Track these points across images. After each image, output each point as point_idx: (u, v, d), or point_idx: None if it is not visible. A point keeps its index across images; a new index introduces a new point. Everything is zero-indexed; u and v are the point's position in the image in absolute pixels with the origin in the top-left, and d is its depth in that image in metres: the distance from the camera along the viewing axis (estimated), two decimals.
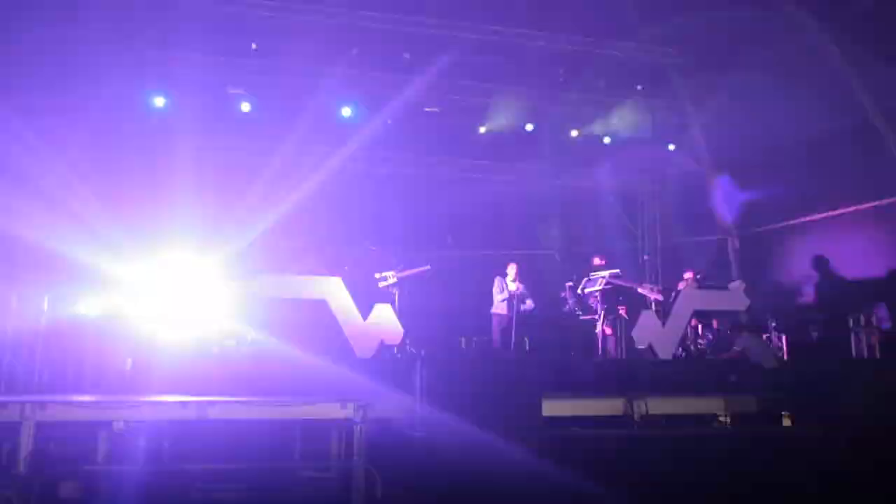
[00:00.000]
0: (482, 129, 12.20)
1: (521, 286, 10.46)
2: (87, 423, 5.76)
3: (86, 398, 6.22)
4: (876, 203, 11.61)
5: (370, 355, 8.96)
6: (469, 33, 11.86)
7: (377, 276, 10.38)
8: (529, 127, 12.40)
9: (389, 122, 12.37)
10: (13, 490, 5.17)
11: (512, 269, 10.55)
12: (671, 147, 13.11)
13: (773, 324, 11.84)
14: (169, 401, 6.11)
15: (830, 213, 12.23)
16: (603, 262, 11.09)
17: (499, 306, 10.47)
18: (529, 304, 10.54)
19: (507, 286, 10.48)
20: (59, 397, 6.42)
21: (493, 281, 10.79)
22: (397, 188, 15.00)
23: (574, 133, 12.79)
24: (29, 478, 5.25)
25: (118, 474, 5.73)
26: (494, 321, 10.61)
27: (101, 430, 5.88)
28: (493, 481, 4.94)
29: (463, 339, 12.43)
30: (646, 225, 14.39)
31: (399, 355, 10.25)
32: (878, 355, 9.05)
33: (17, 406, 5.46)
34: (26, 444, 5.36)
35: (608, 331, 10.38)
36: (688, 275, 10.80)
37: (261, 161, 12.23)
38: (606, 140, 12.85)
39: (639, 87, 12.48)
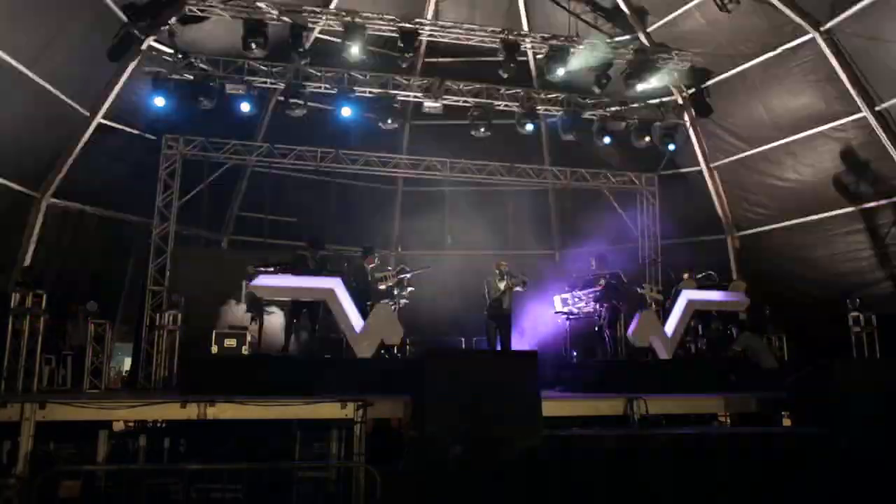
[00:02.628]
0: (482, 130, 12.20)
1: (512, 280, 10.21)
2: (87, 422, 5.74)
3: (85, 398, 6.24)
4: None
5: (370, 355, 8.97)
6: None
7: (377, 276, 10.39)
8: (529, 127, 12.41)
9: (390, 122, 12.35)
10: (13, 489, 5.15)
11: (501, 267, 10.29)
12: (671, 147, 13.14)
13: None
14: (168, 401, 6.08)
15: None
16: (602, 264, 11.13)
17: (489, 308, 10.26)
18: (520, 289, 10.29)
19: (490, 287, 10.24)
20: (59, 397, 6.49)
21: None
22: (398, 189, 15.14)
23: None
24: (29, 477, 5.21)
25: (118, 474, 5.71)
26: (487, 324, 10.39)
27: (101, 429, 5.87)
28: (493, 480, 4.93)
29: (462, 339, 12.45)
30: (646, 225, 14.40)
31: (399, 355, 10.28)
32: None
33: (17, 405, 5.46)
34: (26, 443, 5.34)
35: (608, 331, 10.40)
36: (687, 275, 10.81)
37: None
38: (607, 140, 12.86)
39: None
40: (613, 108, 13.13)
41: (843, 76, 11.01)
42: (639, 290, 10.73)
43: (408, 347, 11.03)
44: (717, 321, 10.85)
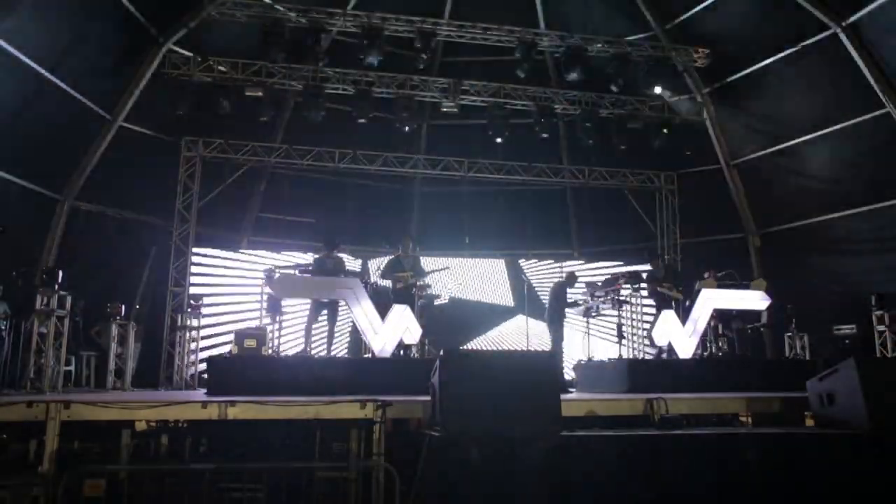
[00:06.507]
0: (498, 140, 12.22)
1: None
2: (111, 422, 5.79)
3: (108, 398, 6.34)
4: None
5: (389, 355, 8.98)
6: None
7: (396, 275, 10.39)
8: (545, 135, 12.46)
9: (397, 124, 12.32)
10: (40, 488, 5.25)
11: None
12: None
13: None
14: (189, 401, 6.13)
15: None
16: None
17: None
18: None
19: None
20: (82, 396, 6.59)
21: (509, 282, 10.76)
22: (416, 190, 15.16)
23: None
24: (55, 476, 5.30)
25: (141, 473, 5.75)
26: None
27: (125, 429, 5.91)
28: (513, 481, 4.90)
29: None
30: (665, 223, 14.32)
31: (417, 355, 10.29)
32: None
33: (42, 405, 5.54)
34: (52, 442, 5.41)
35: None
36: (708, 274, 10.72)
37: None
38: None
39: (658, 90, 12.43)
40: (631, 107, 13.07)
41: (867, 72, 10.86)
42: (658, 288, 10.64)
43: (426, 346, 11.03)
44: (737, 320, 10.75)
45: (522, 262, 14.69)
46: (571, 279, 10.68)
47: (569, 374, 11.28)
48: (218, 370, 8.00)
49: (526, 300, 11.49)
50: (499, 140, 12.18)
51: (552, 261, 14.71)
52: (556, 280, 10.79)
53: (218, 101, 11.33)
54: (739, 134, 13.49)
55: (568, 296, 10.50)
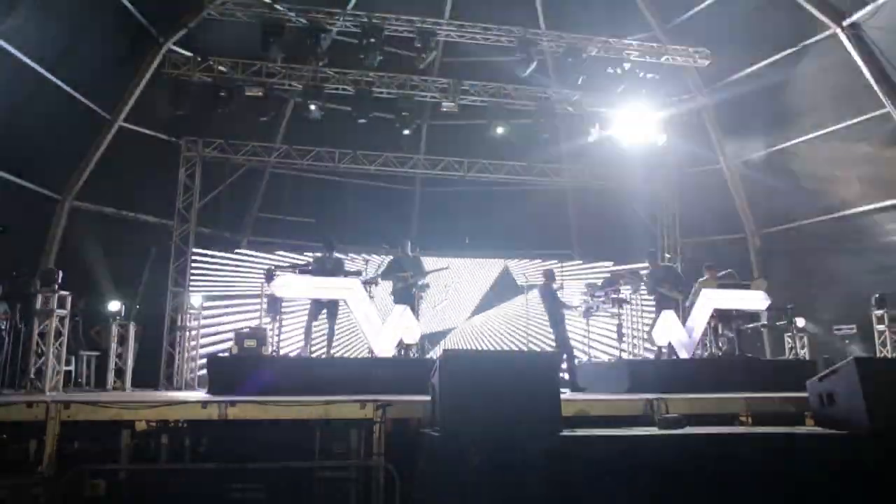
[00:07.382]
0: (499, 131, 12.15)
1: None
2: (111, 422, 5.78)
3: (109, 398, 6.36)
4: None
5: (389, 354, 8.98)
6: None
7: (398, 275, 10.40)
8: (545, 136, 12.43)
9: (397, 124, 12.26)
10: (40, 488, 5.24)
11: None
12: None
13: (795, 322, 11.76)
14: (189, 401, 6.13)
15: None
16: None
17: None
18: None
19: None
20: (82, 396, 6.61)
21: (509, 282, 10.69)
22: (416, 190, 15.16)
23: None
24: (55, 476, 5.30)
25: (141, 473, 5.74)
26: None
27: (125, 429, 5.89)
28: (512, 481, 4.85)
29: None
30: (665, 224, 14.32)
31: (417, 354, 10.29)
32: None
33: (42, 405, 5.53)
34: (52, 442, 5.41)
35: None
36: (708, 274, 10.71)
37: None
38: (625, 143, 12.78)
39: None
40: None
41: (867, 72, 10.86)
42: (658, 289, 10.63)
43: (426, 346, 11.03)
44: (737, 320, 10.73)
45: (513, 263, 14.74)
46: (549, 275, 10.51)
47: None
48: (218, 370, 8.01)
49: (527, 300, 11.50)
50: (500, 130, 12.07)
51: (556, 261, 14.72)
52: (539, 285, 10.65)
53: (218, 101, 11.30)
54: (739, 134, 13.49)
55: (559, 292, 10.38)
